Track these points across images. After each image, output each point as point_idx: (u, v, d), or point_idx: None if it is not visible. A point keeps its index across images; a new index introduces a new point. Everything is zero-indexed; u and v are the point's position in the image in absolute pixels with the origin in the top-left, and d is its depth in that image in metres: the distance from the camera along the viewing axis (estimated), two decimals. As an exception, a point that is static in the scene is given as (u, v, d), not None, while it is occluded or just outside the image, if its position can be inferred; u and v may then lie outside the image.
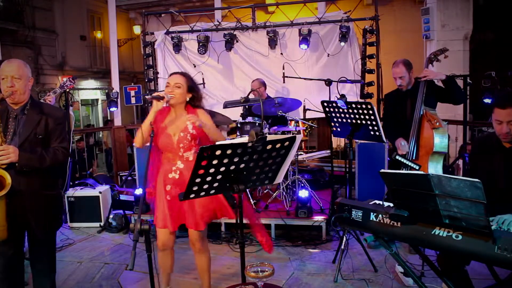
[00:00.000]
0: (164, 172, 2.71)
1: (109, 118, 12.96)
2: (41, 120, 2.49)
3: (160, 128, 2.67)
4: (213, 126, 2.75)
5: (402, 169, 3.17)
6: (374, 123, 3.23)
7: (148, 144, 2.58)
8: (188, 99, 2.72)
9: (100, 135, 10.49)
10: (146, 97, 2.54)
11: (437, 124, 3.27)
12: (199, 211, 2.67)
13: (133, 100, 6.71)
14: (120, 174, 6.43)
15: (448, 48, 3.56)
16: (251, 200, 4.58)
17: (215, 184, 2.10)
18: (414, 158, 3.35)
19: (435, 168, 3.28)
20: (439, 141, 3.27)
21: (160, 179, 2.72)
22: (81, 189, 5.01)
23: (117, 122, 7.08)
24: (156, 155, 2.76)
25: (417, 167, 2.92)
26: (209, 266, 2.90)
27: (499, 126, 2.39)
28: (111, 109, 6.32)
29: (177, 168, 2.69)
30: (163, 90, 2.73)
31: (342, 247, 3.44)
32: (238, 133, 4.89)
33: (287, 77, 5.38)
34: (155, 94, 2.58)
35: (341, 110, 3.37)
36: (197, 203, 2.66)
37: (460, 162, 5.37)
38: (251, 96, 3.00)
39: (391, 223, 2.08)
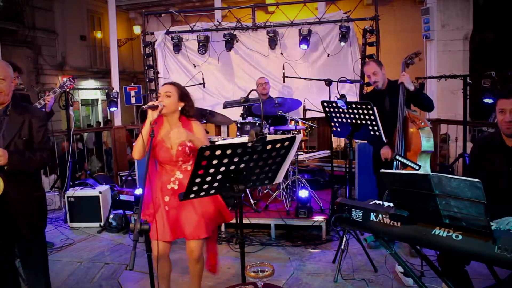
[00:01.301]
0: (162, 183, 2.69)
1: (109, 118, 12.97)
2: (24, 121, 2.46)
3: (158, 141, 2.66)
4: (205, 140, 2.73)
5: (400, 169, 3.18)
6: (374, 123, 3.23)
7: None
8: (180, 108, 2.71)
9: (85, 138, 10.16)
10: (143, 107, 2.54)
11: (422, 124, 3.33)
12: (199, 221, 2.65)
13: (133, 100, 6.71)
14: (120, 174, 6.43)
15: (421, 51, 3.72)
16: (251, 200, 4.58)
17: (215, 184, 2.10)
18: None
19: (423, 167, 3.30)
20: (426, 141, 3.31)
21: (157, 190, 2.69)
22: (81, 189, 5.01)
23: (117, 122, 7.08)
24: (152, 166, 2.74)
25: (417, 167, 2.92)
26: (202, 273, 2.90)
27: (502, 116, 2.40)
28: (111, 109, 6.32)
29: (176, 178, 2.69)
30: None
31: (342, 247, 3.43)
32: (238, 133, 4.89)
33: (287, 77, 5.39)
34: (150, 103, 2.58)
35: (341, 110, 3.37)
36: (197, 213, 2.64)
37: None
38: (252, 95, 3.00)
39: (391, 223, 2.08)
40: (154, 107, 2.54)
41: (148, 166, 2.31)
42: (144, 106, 2.55)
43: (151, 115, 2.55)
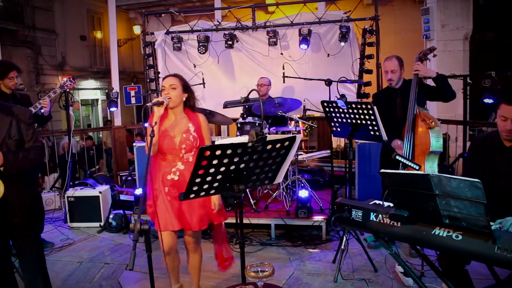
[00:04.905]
0: (163, 174, 2.72)
1: (109, 118, 12.96)
2: (12, 121, 2.46)
3: (161, 131, 2.68)
4: (207, 134, 2.79)
5: (401, 169, 3.17)
6: (374, 123, 3.22)
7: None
8: (184, 99, 2.75)
9: (76, 138, 9.89)
10: (147, 104, 2.56)
11: (433, 123, 3.23)
12: (198, 212, 2.71)
13: (133, 100, 6.70)
14: (120, 174, 6.44)
15: (436, 47, 3.59)
16: (251, 200, 4.58)
17: (215, 184, 2.10)
18: (410, 158, 3.33)
19: (431, 167, 3.26)
20: (435, 141, 3.24)
21: (158, 181, 2.72)
22: (81, 189, 5.00)
23: (117, 122, 7.08)
24: (153, 159, 2.76)
25: (417, 167, 2.91)
26: (201, 265, 2.99)
27: (504, 123, 2.36)
28: (111, 109, 6.32)
29: (177, 169, 2.71)
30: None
31: (342, 247, 3.43)
32: (238, 133, 4.89)
33: (287, 77, 5.38)
34: (154, 100, 2.61)
35: (341, 110, 3.36)
36: (197, 204, 2.69)
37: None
38: (252, 95, 3.00)
39: (391, 223, 2.08)
40: (159, 104, 2.57)
41: (149, 163, 2.32)
42: (148, 104, 2.57)
43: (158, 111, 2.59)
